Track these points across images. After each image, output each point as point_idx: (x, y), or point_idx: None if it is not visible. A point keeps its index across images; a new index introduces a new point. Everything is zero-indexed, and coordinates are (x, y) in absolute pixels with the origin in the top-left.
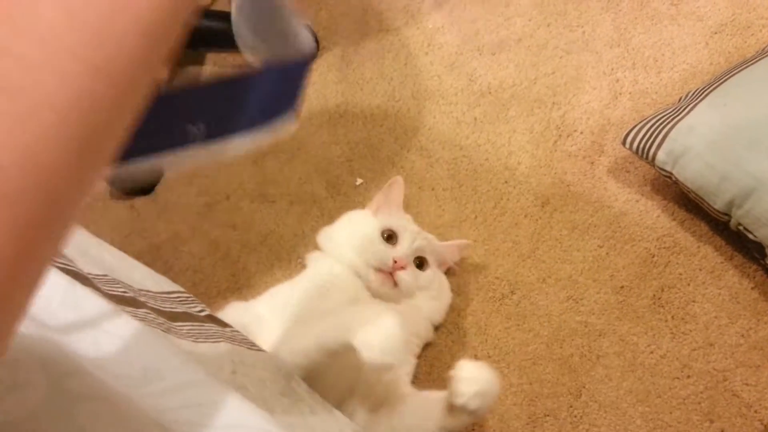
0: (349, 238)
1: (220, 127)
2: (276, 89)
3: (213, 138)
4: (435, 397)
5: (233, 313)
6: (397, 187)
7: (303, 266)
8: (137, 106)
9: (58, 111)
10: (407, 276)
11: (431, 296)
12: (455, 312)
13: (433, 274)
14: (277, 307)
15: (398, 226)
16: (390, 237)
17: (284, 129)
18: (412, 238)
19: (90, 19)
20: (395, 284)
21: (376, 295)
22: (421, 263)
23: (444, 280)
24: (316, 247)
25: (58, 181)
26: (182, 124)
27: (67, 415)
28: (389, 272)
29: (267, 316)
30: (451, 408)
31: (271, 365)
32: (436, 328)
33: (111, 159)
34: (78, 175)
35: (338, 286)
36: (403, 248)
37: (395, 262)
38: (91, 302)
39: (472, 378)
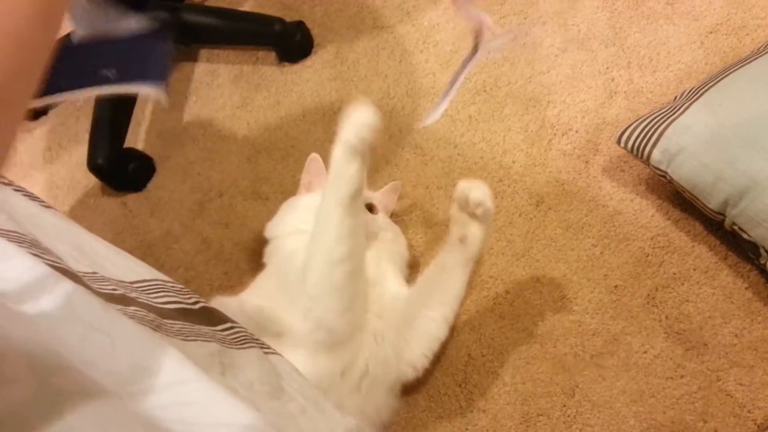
0: (299, 214)
1: (125, 74)
2: (149, 55)
3: (121, 81)
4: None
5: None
6: (315, 163)
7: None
8: (42, 61)
9: None
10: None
11: (391, 240)
12: None
13: (385, 218)
14: (262, 295)
15: None
16: None
17: (158, 90)
18: None
19: None
20: None
21: None
22: (370, 208)
23: (395, 226)
24: None
25: None
26: (99, 67)
27: (55, 412)
28: None
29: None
30: (468, 220)
31: (261, 364)
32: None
33: (30, 94)
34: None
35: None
36: None
37: None
38: (79, 299)
39: (474, 185)
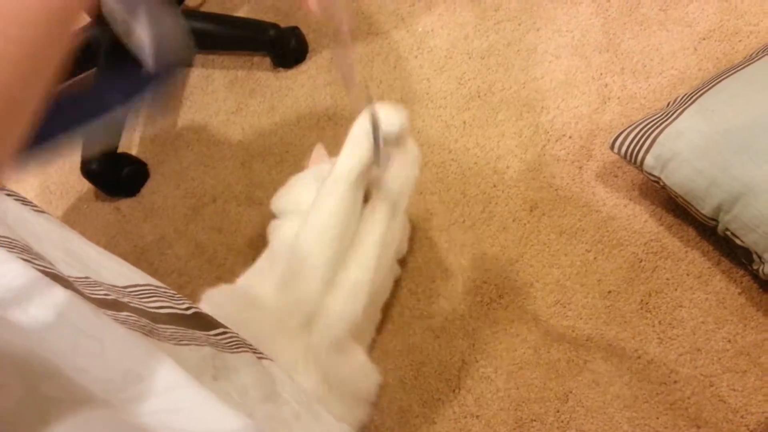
0: (306, 185)
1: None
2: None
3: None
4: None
5: (211, 300)
6: (319, 150)
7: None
8: (50, 69)
9: None
10: None
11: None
12: (442, 316)
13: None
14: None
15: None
16: None
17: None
18: None
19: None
20: None
21: None
22: None
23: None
24: None
25: None
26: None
27: (41, 419)
28: None
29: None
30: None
31: (254, 368)
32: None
33: (36, 105)
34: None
35: None
36: None
37: None
38: (69, 304)
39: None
